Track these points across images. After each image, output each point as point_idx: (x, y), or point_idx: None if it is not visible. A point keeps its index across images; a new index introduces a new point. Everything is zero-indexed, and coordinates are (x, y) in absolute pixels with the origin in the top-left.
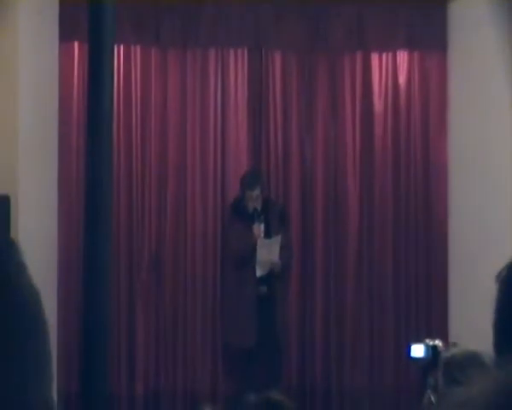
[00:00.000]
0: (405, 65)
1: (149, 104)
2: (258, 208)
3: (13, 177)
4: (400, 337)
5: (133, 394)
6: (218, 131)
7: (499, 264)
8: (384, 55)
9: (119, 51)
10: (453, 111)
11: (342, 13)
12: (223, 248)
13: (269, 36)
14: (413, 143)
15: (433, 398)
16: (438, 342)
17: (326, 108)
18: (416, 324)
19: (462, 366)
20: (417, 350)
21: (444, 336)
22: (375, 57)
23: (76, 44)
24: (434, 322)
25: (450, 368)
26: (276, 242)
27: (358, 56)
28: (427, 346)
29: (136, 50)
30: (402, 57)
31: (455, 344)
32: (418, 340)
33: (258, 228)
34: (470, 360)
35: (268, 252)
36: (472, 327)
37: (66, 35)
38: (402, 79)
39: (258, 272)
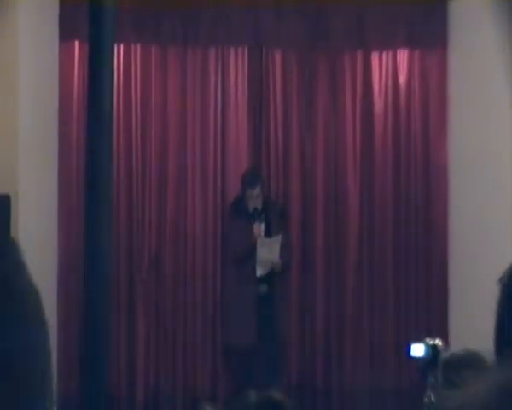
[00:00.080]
0: (406, 64)
1: (149, 103)
2: (259, 208)
3: (13, 176)
4: (400, 336)
5: (133, 394)
6: (219, 129)
7: (499, 264)
8: (384, 54)
9: (119, 50)
10: (453, 110)
11: (342, 11)
12: (223, 248)
13: (269, 35)
14: (413, 142)
15: (433, 398)
16: (438, 342)
17: (326, 106)
18: (416, 323)
19: (460, 368)
20: (417, 349)
21: (444, 336)
22: (375, 56)
23: (76, 44)
24: (434, 321)
25: (448, 369)
26: (276, 241)
27: (359, 55)
28: (427, 345)
29: (137, 49)
30: (402, 56)
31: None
32: (418, 339)
33: (259, 227)
34: (469, 361)
35: (268, 251)
36: (472, 327)
37: (66, 34)
38: (402, 78)
39: (259, 272)
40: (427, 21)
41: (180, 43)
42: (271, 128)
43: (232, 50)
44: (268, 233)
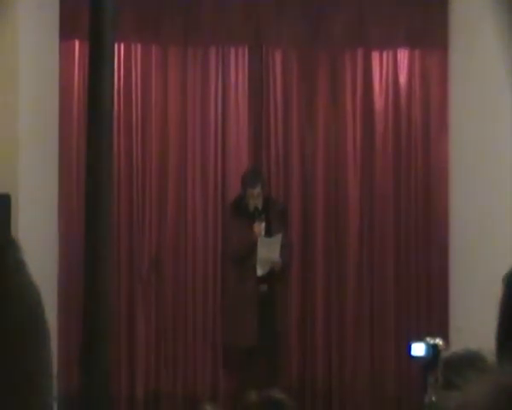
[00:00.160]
0: (406, 63)
1: (150, 102)
2: (259, 207)
3: (13, 175)
4: (401, 336)
5: (133, 394)
6: (219, 128)
7: (499, 264)
8: (385, 53)
9: (119, 49)
10: (454, 109)
11: (343, 10)
12: (223, 248)
13: (269, 34)
14: (414, 141)
15: (434, 397)
16: (438, 341)
17: (327, 105)
18: (416, 323)
19: (461, 367)
20: (418, 349)
21: (444, 336)
22: (375, 55)
23: (77, 43)
24: (435, 321)
25: (448, 369)
26: (276, 240)
27: (359, 54)
28: (427, 344)
29: (137, 48)
30: (403, 55)
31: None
32: (419, 339)
33: (259, 227)
34: (469, 361)
35: (268, 251)
36: (472, 326)
37: (66, 33)
38: (403, 77)
39: (259, 271)
40: (428, 21)
41: (180, 43)
42: (272, 127)
43: (232, 49)
44: (268, 233)
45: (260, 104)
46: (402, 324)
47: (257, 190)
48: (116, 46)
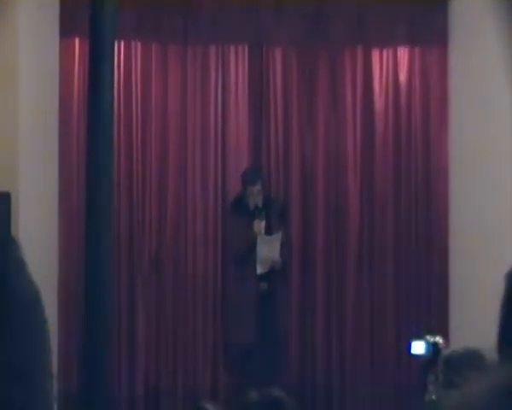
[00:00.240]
0: (406, 62)
1: (150, 101)
2: (259, 205)
3: (13, 174)
4: (401, 335)
5: (133, 392)
6: (219, 127)
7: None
8: (385, 52)
9: (119, 47)
10: (453, 108)
11: (343, 9)
12: (223, 247)
13: (269, 33)
14: (413, 140)
15: (434, 396)
16: (438, 339)
17: (327, 104)
18: (416, 321)
19: (461, 365)
20: (418, 347)
21: (444, 334)
22: (375, 53)
23: (77, 40)
24: (435, 319)
25: (448, 367)
26: (276, 239)
27: (359, 53)
28: (427, 343)
29: (137, 46)
30: (403, 54)
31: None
32: (418, 337)
33: (259, 225)
34: (469, 359)
35: (268, 249)
36: (472, 326)
37: (66, 31)
38: (403, 76)
39: (259, 270)
40: (428, 19)
41: (180, 41)
42: (272, 126)
43: (232, 48)
44: (268, 231)
45: (260, 103)
46: (402, 323)
47: (257, 188)
48: (116, 44)
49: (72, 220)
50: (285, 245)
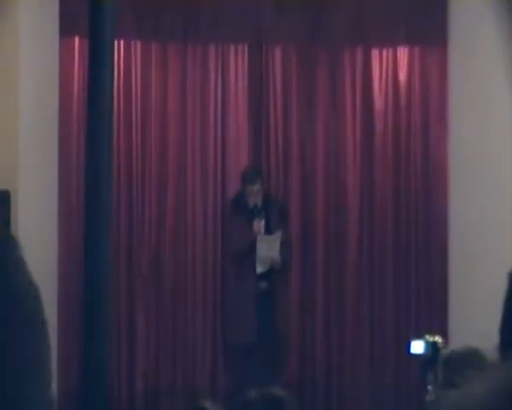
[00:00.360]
0: (406, 61)
1: (149, 100)
2: (259, 204)
3: (13, 173)
4: (400, 335)
5: (133, 391)
6: (219, 127)
7: (499, 264)
8: (384, 51)
9: (119, 46)
10: (453, 108)
11: (342, 8)
12: (223, 247)
13: (269, 32)
14: (413, 139)
15: (433, 395)
16: (438, 339)
17: (326, 103)
18: (416, 321)
19: (460, 365)
20: (417, 346)
21: (443, 334)
22: (375, 53)
23: (76, 39)
24: (434, 319)
25: (447, 366)
26: (276, 238)
27: (359, 52)
28: (426, 342)
29: (137, 46)
30: (402, 53)
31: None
32: (418, 336)
33: (259, 224)
34: (468, 358)
35: (268, 248)
36: (471, 326)
37: (66, 30)
38: (402, 75)
39: (259, 269)
40: (428, 19)
41: (180, 40)
42: (271, 125)
43: (232, 47)
44: (268, 230)
45: (260, 102)
46: (401, 322)
47: (256, 187)
48: (116, 43)
49: (72, 219)
50: (285, 244)
